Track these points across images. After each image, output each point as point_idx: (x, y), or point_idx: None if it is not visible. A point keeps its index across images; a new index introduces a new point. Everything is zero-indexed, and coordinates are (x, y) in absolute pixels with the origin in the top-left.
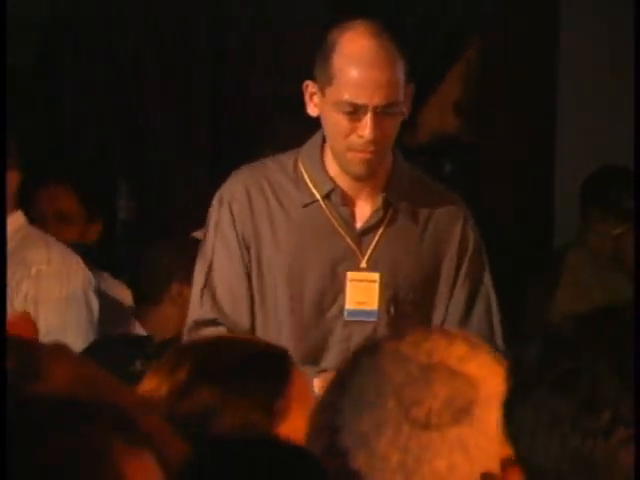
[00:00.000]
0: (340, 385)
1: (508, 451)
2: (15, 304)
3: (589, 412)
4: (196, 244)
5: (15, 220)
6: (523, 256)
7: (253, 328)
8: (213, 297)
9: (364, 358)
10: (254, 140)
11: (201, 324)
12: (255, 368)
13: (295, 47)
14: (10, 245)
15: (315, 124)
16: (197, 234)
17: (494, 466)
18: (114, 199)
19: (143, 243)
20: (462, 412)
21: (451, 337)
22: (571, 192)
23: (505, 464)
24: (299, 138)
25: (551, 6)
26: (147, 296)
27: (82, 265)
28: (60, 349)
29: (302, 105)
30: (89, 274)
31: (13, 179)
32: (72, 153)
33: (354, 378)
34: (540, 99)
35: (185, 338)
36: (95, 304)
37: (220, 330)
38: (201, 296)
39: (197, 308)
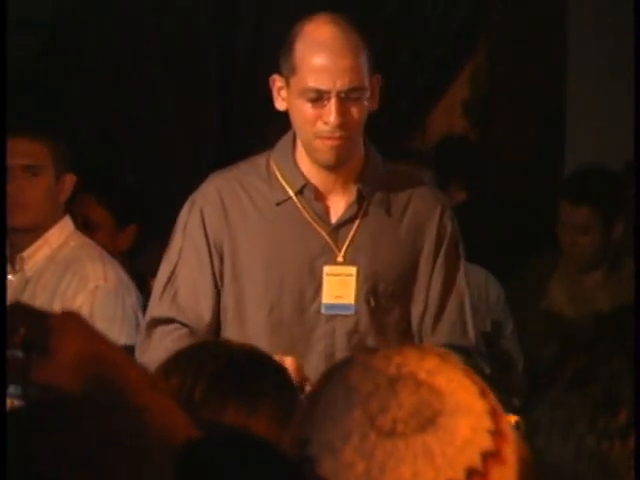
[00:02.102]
0: (312, 397)
1: (473, 461)
2: None
3: (606, 412)
4: None
5: (65, 226)
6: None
7: (218, 328)
8: (174, 296)
9: (336, 371)
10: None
11: (158, 321)
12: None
13: None
14: (62, 253)
15: None
16: None
17: (459, 475)
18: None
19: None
20: (428, 421)
21: (424, 352)
22: None
23: (470, 473)
24: None
25: (559, 6)
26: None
27: (132, 284)
28: (71, 319)
29: None
30: (138, 294)
31: (69, 182)
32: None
33: (324, 390)
34: (548, 99)
35: (141, 334)
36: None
37: (176, 327)
38: (162, 293)
39: (156, 305)
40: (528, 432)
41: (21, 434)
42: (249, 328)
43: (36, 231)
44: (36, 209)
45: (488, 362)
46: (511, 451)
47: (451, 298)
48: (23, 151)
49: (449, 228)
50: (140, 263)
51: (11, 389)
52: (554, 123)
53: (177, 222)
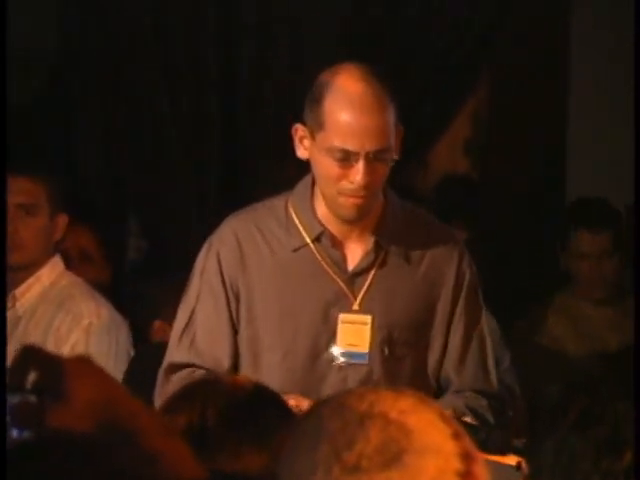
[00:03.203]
0: (287, 433)
1: None
2: (63, 352)
3: (610, 454)
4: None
5: (57, 265)
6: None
7: (235, 370)
8: (192, 341)
9: (313, 409)
10: (267, 180)
11: (175, 367)
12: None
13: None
14: (54, 291)
15: None
16: None
17: None
18: (124, 238)
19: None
20: (393, 459)
21: (400, 393)
22: None
23: None
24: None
25: (562, 40)
26: (135, 330)
27: (124, 322)
28: (84, 364)
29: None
30: (129, 331)
31: (62, 222)
32: (84, 190)
33: (299, 426)
34: (551, 134)
35: (159, 379)
36: None
37: (197, 372)
38: (179, 339)
39: (174, 350)
40: (531, 473)
41: (29, 473)
42: (263, 372)
43: (29, 269)
44: (31, 247)
45: (512, 405)
46: None
47: (472, 345)
48: (19, 190)
49: (468, 275)
50: (143, 307)
51: (23, 433)
52: (555, 159)
53: (195, 266)
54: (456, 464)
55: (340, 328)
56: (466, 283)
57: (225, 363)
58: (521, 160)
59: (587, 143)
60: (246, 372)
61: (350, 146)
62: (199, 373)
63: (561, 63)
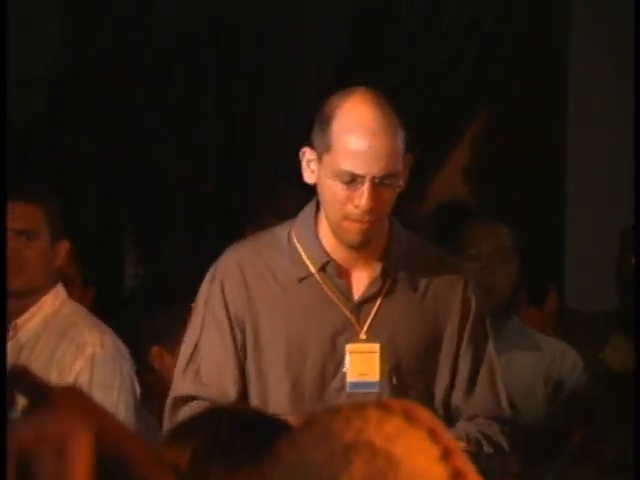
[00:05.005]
0: (272, 460)
1: None
2: (67, 381)
3: (614, 476)
4: (187, 313)
5: (59, 293)
6: None
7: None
8: (196, 373)
9: (298, 433)
10: (260, 211)
11: (180, 401)
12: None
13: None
14: (56, 320)
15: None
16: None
17: None
18: (121, 265)
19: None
20: None
21: (388, 413)
22: (582, 259)
23: None
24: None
25: (558, 70)
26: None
27: (127, 351)
28: (73, 394)
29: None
30: (131, 360)
31: (63, 249)
32: (76, 212)
33: (283, 455)
34: (549, 162)
35: (166, 414)
36: (138, 390)
37: (201, 404)
38: (184, 371)
39: (179, 384)
40: None
41: None
42: (271, 403)
43: (30, 296)
44: (32, 271)
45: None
46: None
47: (482, 372)
48: (18, 215)
49: (473, 302)
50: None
51: None
52: (554, 186)
53: (197, 297)
54: None
55: (349, 358)
56: (472, 311)
57: (231, 394)
58: (519, 186)
59: (586, 170)
60: (254, 402)
61: (357, 169)
62: (202, 404)
63: (559, 94)
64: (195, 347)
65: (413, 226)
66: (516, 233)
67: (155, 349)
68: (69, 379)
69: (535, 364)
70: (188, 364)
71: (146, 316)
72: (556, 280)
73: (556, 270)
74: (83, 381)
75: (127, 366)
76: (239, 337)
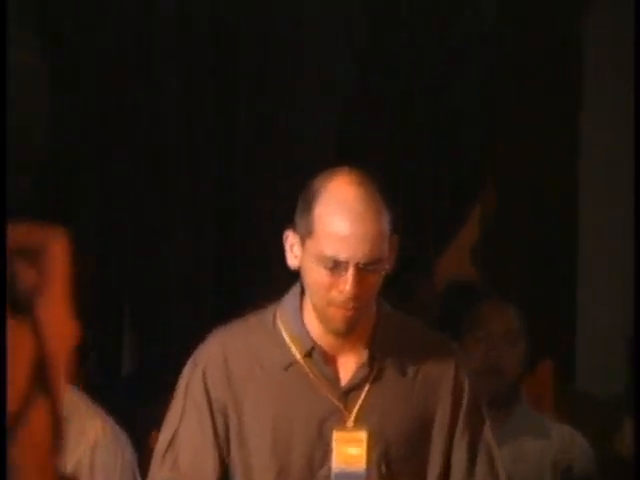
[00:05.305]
0: None
1: None
2: (69, 466)
3: None
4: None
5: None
6: None
7: None
8: (174, 461)
9: None
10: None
11: None
12: None
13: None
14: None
15: None
16: None
17: None
18: (119, 350)
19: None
20: None
21: None
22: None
23: None
24: None
25: (568, 139)
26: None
27: (128, 440)
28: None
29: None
30: (133, 449)
31: None
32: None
33: None
34: (560, 233)
35: None
36: (139, 478)
37: None
38: (162, 460)
39: (156, 472)
40: None
41: None
42: None
43: None
44: None
45: None
46: None
47: (479, 461)
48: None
49: (466, 385)
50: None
51: None
52: (565, 265)
53: (178, 383)
54: None
55: (335, 447)
56: (465, 395)
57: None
58: (532, 265)
59: (598, 243)
60: None
61: (340, 255)
62: None
63: (569, 172)
64: (174, 436)
65: (422, 305)
66: (523, 314)
67: (156, 434)
68: (70, 464)
69: (543, 450)
70: (167, 451)
71: (144, 401)
72: (567, 362)
73: (567, 351)
74: (85, 465)
75: (128, 454)
76: (221, 426)
